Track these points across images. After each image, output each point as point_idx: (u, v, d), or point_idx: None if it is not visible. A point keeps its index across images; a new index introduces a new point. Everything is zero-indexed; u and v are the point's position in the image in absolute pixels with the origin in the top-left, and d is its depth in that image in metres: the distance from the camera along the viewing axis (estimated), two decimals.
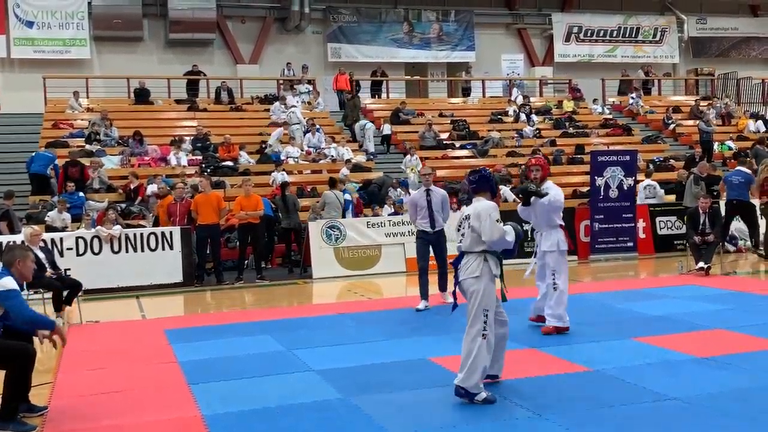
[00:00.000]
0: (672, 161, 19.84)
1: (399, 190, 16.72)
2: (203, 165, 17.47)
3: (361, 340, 7.71)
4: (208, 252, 12.84)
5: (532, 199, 7.56)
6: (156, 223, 13.53)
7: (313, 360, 6.84)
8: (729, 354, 6.54)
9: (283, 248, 14.51)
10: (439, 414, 5.22)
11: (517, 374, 6.20)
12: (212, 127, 19.72)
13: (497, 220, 5.55)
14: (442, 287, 9.79)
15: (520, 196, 7.92)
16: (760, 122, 22.99)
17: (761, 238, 13.68)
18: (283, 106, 20.74)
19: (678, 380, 5.85)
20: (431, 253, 9.79)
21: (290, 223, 14.11)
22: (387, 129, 20.47)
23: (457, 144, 20.54)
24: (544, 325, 7.71)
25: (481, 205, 5.72)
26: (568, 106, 23.53)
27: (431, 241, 9.70)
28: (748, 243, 14.26)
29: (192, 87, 23.15)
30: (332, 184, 14.51)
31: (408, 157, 18.52)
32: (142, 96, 21.59)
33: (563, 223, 7.79)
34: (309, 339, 7.80)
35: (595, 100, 24.43)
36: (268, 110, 21.09)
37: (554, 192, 7.60)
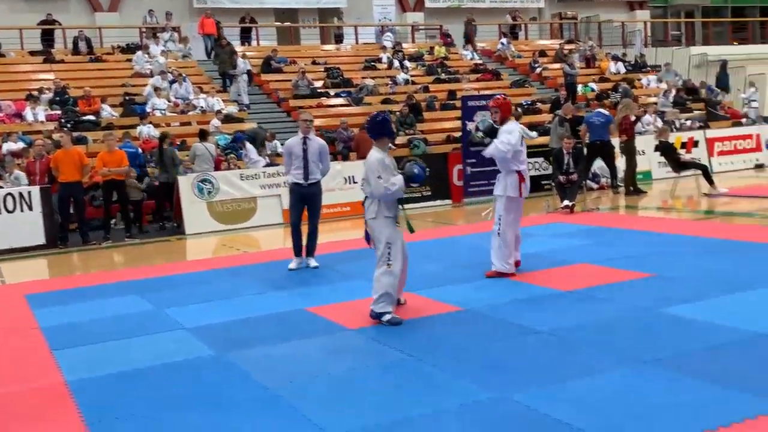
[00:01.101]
0: (539, 104, 20.44)
1: (275, 142, 16.41)
2: (63, 120, 16.51)
3: (235, 295, 7.57)
4: (71, 212, 12.22)
5: (487, 140, 7.39)
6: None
7: (184, 318, 6.66)
8: (591, 286, 6.86)
9: (154, 204, 13.98)
10: (315, 363, 5.19)
11: None
12: (71, 80, 18.62)
13: (378, 177, 5.98)
14: (310, 251, 8.89)
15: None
16: (620, 64, 23.97)
17: (621, 175, 14.39)
18: (146, 55, 19.82)
19: (544, 314, 6.08)
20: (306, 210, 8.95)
21: (168, 178, 13.56)
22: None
23: (332, 92, 20.33)
24: (489, 270, 7.55)
25: (369, 160, 6.15)
26: (440, 52, 23.69)
27: (305, 194, 8.78)
28: (610, 181, 14.96)
29: (47, 37, 21.71)
30: (202, 135, 14.04)
31: None
32: None
33: (520, 168, 7.37)
34: (180, 297, 7.58)
35: (465, 46, 24.71)
36: (130, 60, 20.11)
37: (503, 138, 7.22)
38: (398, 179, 6.09)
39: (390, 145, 6.59)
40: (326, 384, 4.77)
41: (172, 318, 6.72)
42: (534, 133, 17.26)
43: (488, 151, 7.38)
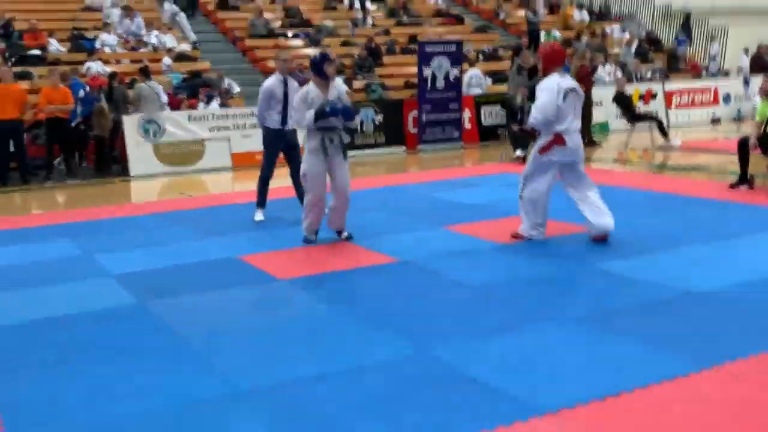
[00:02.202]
0: (501, 51, 20.16)
1: (226, 80, 15.96)
2: (7, 54, 15.84)
3: (170, 241, 7.34)
4: (12, 151, 11.77)
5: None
6: None
7: (112, 264, 6.44)
8: (526, 241, 6.77)
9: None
10: (237, 315, 5.06)
11: (326, 268, 6.15)
12: (18, 12, 17.83)
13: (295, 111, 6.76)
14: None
15: None
16: (584, 12, 23.70)
17: None
18: None
19: (478, 268, 5.98)
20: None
21: (117, 117, 13.08)
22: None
23: (290, 33, 19.80)
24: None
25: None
26: None
27: (285, 141, 8.06)
28: None
29: None
30: (146, 74, 13.54)
31: None
32: None
33: (559, 129, 6.36)
34: (113, 242, 7.34)
35: None
36: None
37: (537, 101, 6.38)
38: (309, 113, 6.59)
39: (334, 84, 6.93)
40: (246, 336, 4.63)
41: (100, 264, 6.50)
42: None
43: (529, 123, 6.53)
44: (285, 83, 7.94)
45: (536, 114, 6.39)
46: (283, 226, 7.90)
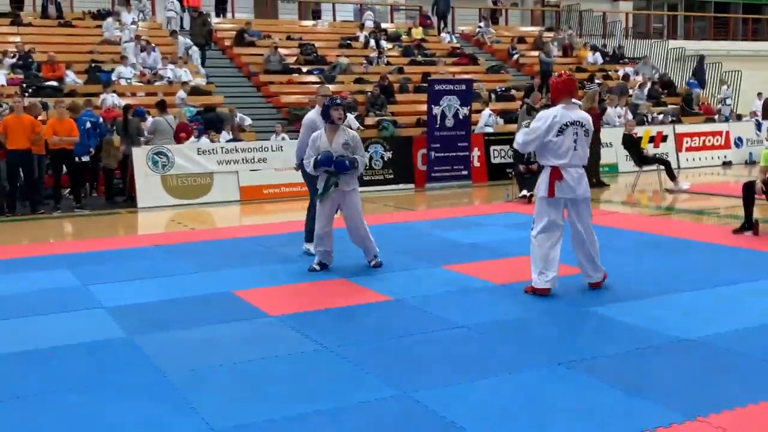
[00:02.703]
0: (513, 91, 20.25)
1: (239, 115, 16.12)
2: (24, 85, 16.13)
3: (167, 273, 7.35)
4: (22, 181, 11.90)
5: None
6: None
7: (107, 296, 6.45)
8: (524, 281, 6.69)
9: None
10: (223, 351, 5.01)
11: (319, 305, 6.12)
12: (38, 44, 18.18)
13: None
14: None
15: None
16: (598, 54, 23.81)
17: None
18: (117, 22, 19.40)
19: (472, 308, 5.93)
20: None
21: (128, 150, 13.20)
22: None
23: (304, 69, 20.03)
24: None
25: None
26: (417, 33, 23.41)
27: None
28: None
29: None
30: (162, 107, 13.74)
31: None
32: None
33: (556, 164, 6.05)
34: (110, 273, 7.36)
35: (443, 29, 24.43)
36: (100, 27, 19.68)
37: (531, 125, 6.27)
38: (311, 161, 7.02)
39: (343, 125, 7.20)
40: (229, 374, 4.60)
41: (94, 296, 6.50)
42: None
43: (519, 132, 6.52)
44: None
45: (518, 137, 6.45)
46: (282, 260, 7.91)
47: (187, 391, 4.27)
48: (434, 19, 24.47)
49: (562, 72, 6.62)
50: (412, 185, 14.56)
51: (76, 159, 12.35)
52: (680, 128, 17.76)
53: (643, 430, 3.71)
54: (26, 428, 3.85)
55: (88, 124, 12.75)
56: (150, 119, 14.13)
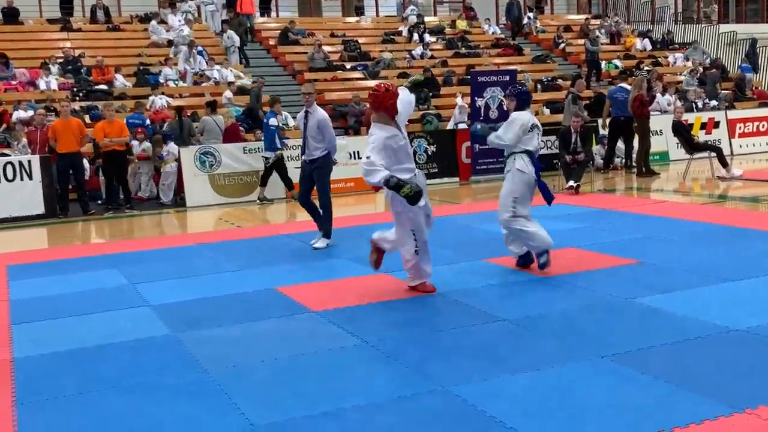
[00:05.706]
0: (560, 81, 19.96)
1: (285, 114, 16.21)
2: (75, 89, 16.51)
3: (212, 271, 7.44)
4: (72, 182, 12.20)
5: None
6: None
7: (153, 294, 6.55)
8: (572, 273, 6.61)
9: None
10: (263, 348, 5.04)
11: (361, 300, 6.11)
12: (87, 48, 18.60)
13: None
14: (321, 230, 8.48)
15: None
16: (647, 41, 23.31)
17: (634, 155, 13.99)
18: (163, 25, 19.71)
19: (515, 301, 5.87)
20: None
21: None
22: None
23: (348, 65, 20.07)
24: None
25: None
26: (461, 25, 23.25)
27: (306, 171, 8.45)
28: (624, 160, 14.55)
29: (65, 5, 21.69)
30: (212, 108, 13.92)
31: None
32: (10, 16, 20.08)
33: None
34: (157, 272, 7.48)
35: (487, 20, 24.21)
36: (147, 30, 20.01)
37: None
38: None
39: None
40: (269, 370, 4.62)
41: (141, 294, 6.61)
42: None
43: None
44: (306, 116, 8.36)
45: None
46: (321, 256, 7.93)
47: (229, 387, 4.30)
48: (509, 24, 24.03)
49: (383, 83, 6.21)
50: (456, 179, 14.46)
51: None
52: (732, 114, 17.26)
53: (689, 423, 3.61)
54: (69, 427, 3.92)
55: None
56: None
